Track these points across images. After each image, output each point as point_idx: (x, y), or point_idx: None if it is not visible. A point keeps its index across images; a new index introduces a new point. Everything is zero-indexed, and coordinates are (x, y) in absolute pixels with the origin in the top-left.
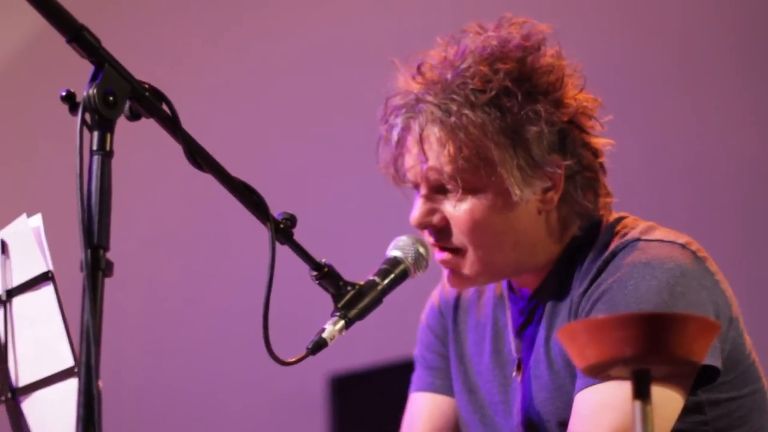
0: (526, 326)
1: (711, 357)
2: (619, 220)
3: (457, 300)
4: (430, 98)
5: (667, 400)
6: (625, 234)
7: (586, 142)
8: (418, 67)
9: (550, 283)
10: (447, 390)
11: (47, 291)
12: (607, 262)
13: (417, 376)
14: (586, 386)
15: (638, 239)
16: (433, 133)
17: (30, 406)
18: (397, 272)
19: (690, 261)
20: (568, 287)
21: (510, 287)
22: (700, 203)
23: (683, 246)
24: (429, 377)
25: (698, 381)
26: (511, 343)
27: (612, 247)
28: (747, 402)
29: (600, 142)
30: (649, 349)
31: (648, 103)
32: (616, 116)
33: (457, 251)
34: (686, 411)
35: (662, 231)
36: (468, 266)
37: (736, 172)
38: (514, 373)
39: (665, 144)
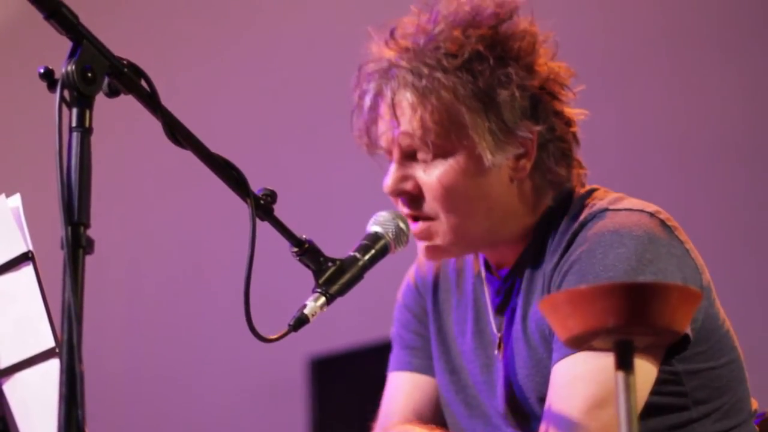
0: (505, 305)
1: None
2: (590, 192)
3: (436, 280)
4: (402, 63)
5: (641, 371)
6: (594, 205)
7: (558, 111)
8: (391, 34)
9: (525, 260)
10: (426, 369)
11: (27, 272)
12: (576, 234)
13: (395, 356)
14: (561, 357)
15: (606, 209)
16: (405, 97)
17: (11, 387)
18: (377, 248)
19: (658, 229)
20: (541, 262)
21: (487, 267)
22: (677, 179)
23: (651, 214)
24: (407, 356)
25: (670, 350)
26: (492, 322)
27: (581, 218)
28: (724, 372)
29: (573, 111)
30: (632, 319)
31: (626, 77)
32: (594, 90)
33: (430, 220)
34: (664, 382)
35: (631, 200)
36: (441, 235)
37: (715, 147)
38: (496, 352)
39: (642, 118)
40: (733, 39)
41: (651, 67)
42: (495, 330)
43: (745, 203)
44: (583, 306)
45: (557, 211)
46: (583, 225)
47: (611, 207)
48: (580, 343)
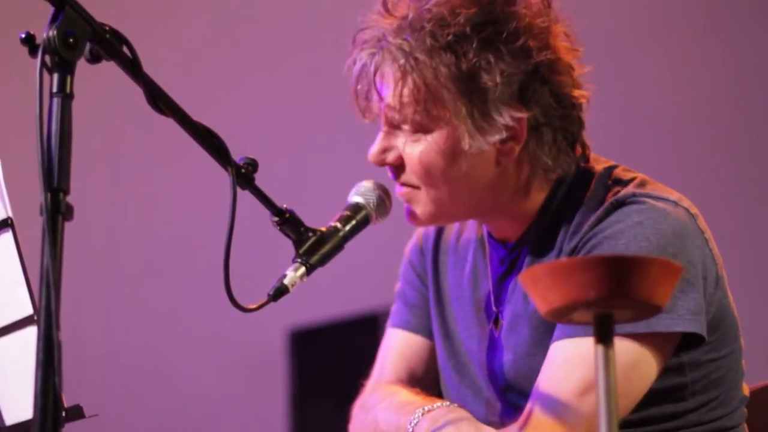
0: (506, 276)
1: (696, 325)
2: (610, 171)
3: (438, 240)
4: (390, 37)
5: (649, 361)
6: (618, 191)
7: (556, 93)
8: (384, 4)
9: (533, 234)
10: (423, 330)
11: (6, 238)
12: (600, 220)
13: (396, 310)
14: (564, 337)
15: (633, 194)
16: (389, 72)
17: None
18: (358, 218)
19: (683, 219)
20: (554, 240)
21: (490, 235)
22: (668, 154)
23: (676, 203)
24: (407, 314)
25: (682, 344)
26: (491, 293)
27: (606, 204)
28: (724, 363)
29: (576, 93)
30: (612, 292)
31: (610, 56)
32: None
33: (414, 188)
34: (668, 371)
35: (654, 186)
36: (422, 205)
37: (698, 126)
38: (492, 325)
39: (633, 94)
40: (718, 17)
41: (636, 46)
42: (493, 301)
43: (729, 182)
44: (564, 278)
45: (573, 188)
46: (608, 212)
47: (637, 192)
48: (560, 316)
